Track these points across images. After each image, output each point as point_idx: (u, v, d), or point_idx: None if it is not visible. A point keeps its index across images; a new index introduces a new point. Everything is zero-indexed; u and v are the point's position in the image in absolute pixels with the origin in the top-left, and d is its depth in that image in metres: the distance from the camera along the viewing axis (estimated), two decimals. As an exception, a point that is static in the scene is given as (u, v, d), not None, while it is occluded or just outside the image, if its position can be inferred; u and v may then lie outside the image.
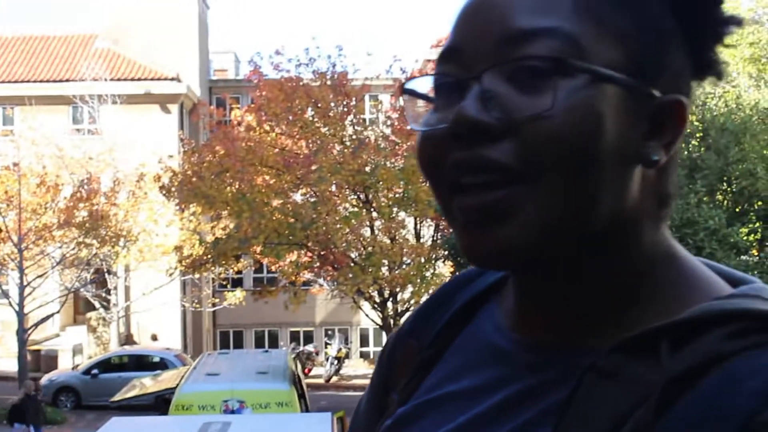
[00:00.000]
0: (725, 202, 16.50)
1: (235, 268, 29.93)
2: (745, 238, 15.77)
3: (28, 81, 38.20)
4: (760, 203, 16.43)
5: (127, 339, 35.49)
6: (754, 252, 16.55)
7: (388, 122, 25.41)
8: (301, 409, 14.14)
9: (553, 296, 0.96)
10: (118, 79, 36.90)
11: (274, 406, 13.71)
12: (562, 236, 0.90)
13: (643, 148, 0.92)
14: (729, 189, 16.12)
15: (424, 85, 0.98)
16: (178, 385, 15.11)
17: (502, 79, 0.89)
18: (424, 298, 15.61)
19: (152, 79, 38.03)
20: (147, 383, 20.41)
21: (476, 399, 0.99)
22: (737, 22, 0.98)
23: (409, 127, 1.00)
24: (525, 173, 0.88)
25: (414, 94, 0.98)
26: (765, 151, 16.46)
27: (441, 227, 24.70)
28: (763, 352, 0.84)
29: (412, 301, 24.20)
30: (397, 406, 1.09)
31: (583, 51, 0.88)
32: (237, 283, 37.95)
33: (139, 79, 37.93)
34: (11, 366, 27.22)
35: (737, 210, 16.26)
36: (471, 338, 1.07)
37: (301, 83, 24.72)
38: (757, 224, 16.90)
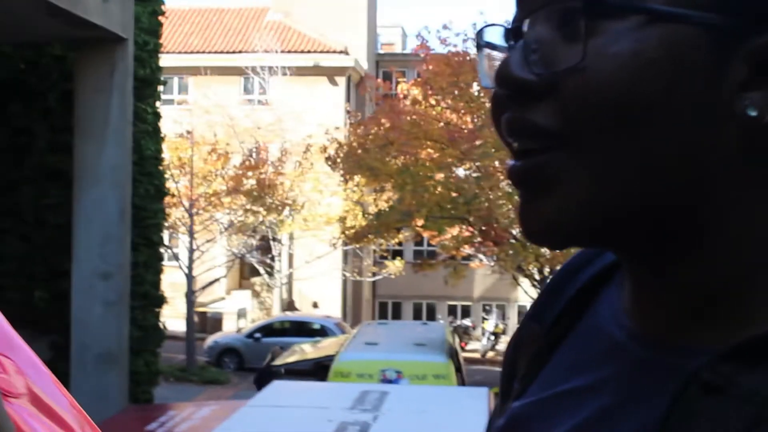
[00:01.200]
0: None
1: (396, 241, 30.15)
2: None
3: (202, 52, 39.32)
4: None
5: (289, 305, 36.21)
6: None
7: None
8: (457, 383, 14.11)
9: (655, 281, 0.81)
10: (288, 52, 37.55)
11: (431, 378, 13.71)
12: (622, 211, 0.76)
13: (740, 101, 0.72)
14: None
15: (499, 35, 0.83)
16: (337, 352, 15.30)
17: (551, 26, 0.76)
18: None
19: (321, 52, 38.55)
20: (307, 349, 20.70)
21: (583, 402, 0.85)
22: None
23: (482, 84, 0.83)
24: (567, 137, 0.75)
25: (490, 46, 0.84)
26: None
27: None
28: None
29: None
30: (513, 398, 0.97)
31: None
32: (397, 255, 38.28)
33: (308, 52, 38.52)
34: (180, 327, 28.14)
35: None
36: (590, 323, 0.92)
37: (467, 58, 24.66)
38: None
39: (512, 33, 0.79)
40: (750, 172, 0.74)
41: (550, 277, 1.03)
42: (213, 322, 33.89)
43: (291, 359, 19.90)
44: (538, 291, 19.26)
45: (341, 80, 38.64)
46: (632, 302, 0.85)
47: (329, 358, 15.94)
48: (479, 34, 0.84)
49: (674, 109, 0.72)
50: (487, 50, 0.84)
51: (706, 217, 0.75)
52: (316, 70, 37.98)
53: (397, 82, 30.66)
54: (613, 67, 0.72)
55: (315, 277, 33.88)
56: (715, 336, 0.76)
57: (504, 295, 40.43)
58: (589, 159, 0.74)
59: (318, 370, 17.13)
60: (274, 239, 32.57)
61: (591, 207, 0.75)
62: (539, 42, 0.76)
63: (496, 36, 0.83)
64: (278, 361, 19.35)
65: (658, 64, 0.71)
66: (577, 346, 0.92)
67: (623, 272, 0.87)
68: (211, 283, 29.14)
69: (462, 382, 14.82)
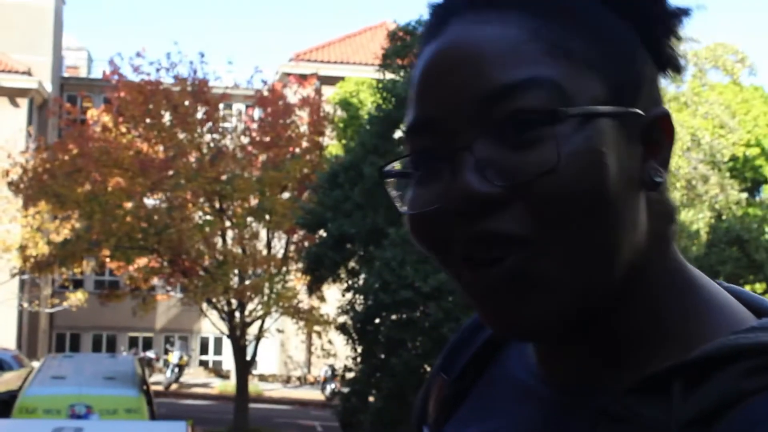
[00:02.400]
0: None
1: (79, 270, 29.24)
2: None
3: None
4: None
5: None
6: None
7: (247, 132, 25.32)
8: (149, 417, 13.93)
9: (575, 345, 0.92)
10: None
11: (123, 413, 13.46)
12: (594, 293, 0.85)
13: (644, 171, 0.87)
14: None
15: (400, 165, 0.93)
16: (21, 387, 14.69)
17: (491, 143, 0.84)
18: (273, 309, 15.29)
19: (3, 72, 37.06)
20: (-18, 384, 19.73)
21: None
22: (685, 12, 0.93)
23: (403, 211, 0.89)
24: (541, 238, 0.82)
25: (392, 175, 0.92)
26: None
27: (293, 240, 24.74)
28: None
29: (261, 312, 24.17)
30: None
31: (567, 94, 0.84)
32: (78, 284, 37.14)
33: (-13, 70, 36.96)
34: None
35: None
36: (499, 372, 1.04)
37: (160, 87, 24.41)
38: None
39: (440, 159, 0.86)
40: (654, 228, 0.89)
41: (453, 336, 1.13)
42: None
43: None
44: (227, 324, 19.23)
45: (23, 102, 37.23)
46: (542, 353, 0.96)
47: (10, 394, 15.29)
48: (383, 171, 0.92)
49: (618, 188, 0.84)
50: (391, 180, 0.92)
51: (634, 277, 0.88)
52: (-5, 90, 36.45)
53: (85, 108, 29.83)
54: (578, 163, 0.82)
55: (-12, 306, 32.27)
56: (616, 378, 0.87)
57: (187, 326, 40.24)
58: (568, 251, 0.82)
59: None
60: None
61: (577, 295, 0.84)
62: (489, 159, 0.83)
63: (398, 167, 0.92)
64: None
65: (603, 153, 0.83)
66: (488, 392, 1.03)
67: None
68: None
69: (153, 416, 14.63)
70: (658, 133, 0.89)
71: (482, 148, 0.83)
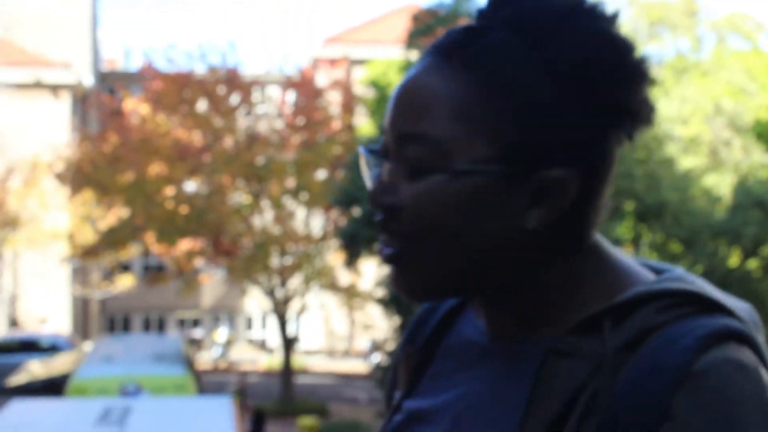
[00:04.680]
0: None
1: (126, 255, 29.73)
2: (622, 234, 16.47)
3: None
4: (636, 202, 17.08)
5: (13, 323, 34.99)
6: (628, 247, 17.22)
7: (281, 116, 25.66)
8: (197, 393, 14.22)
9: (500, 309, 1.15)
10: (9, 66, 36.36)
11: (172, 390, 13.61)
12: (461, 280, 1.11)
13: (524, 217, 1.07)
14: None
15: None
16: (73, 369, 15.04)
17: (398, 168, 1.09)
18: (313, 285, 15.56)
19: (43, 67, 37.55)
20: (39, 367, 20.14)
21: (469, 388, 1.17)
22: (646, 77, 1.09)
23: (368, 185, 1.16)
24: (410, 237, 1.09)
25: (369, 154, 1.16)
26: (640, 154, 17.21)
27: (331, 218, 24.97)
28: (687, 320, 1.03)
29: (302, 288, 24.56)
30: (400, 401, 1.27)
31: (447, 152, 1.05)
32: (125, 269, 37.62)
33: (30, 67, 37.43)
34: None
35: (616, 208, 16.74)
36: (455, 339, 1.24)
37: (194, 77, 24.80)
38: (633, 222, 17.62)
39: (378, 156, 1.14)
40: (539, 255, 1.11)
41: (418, 312, 1.35)
42: None
43: (23, 380, 19.35)
44: (270, 299, 19.30)
45: (65, 96, 37.76)
46: (488, 320, 1.18)
47: (64, 376, 15.59)
48: (360, 151, 1.18)
49: (477, 231, 1.07)
50: (366, 159, 1.16)
51: (516, 280, 1.11)
52: (38, 86, 36.99)
53: (124, 99, 30.19)
54: (432, 205, 1.07)
55: (43, 294, 32.87)
56: (547, 332, 1.11)
57: (233, 305, 40.49)
58: (423, 253, 1.09)
59: (53, 388, 16.71)
60: (-3, 256, 31.45)
61: (432, 282, 1.11)
62: (391, 178, 1.10)
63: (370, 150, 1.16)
64: (11, 383, 18.77)
65: (460, 206, 1.06)
66: (449, 356, 1.23)
67: (476, 304, 1.22)
68: None
69: (201, 392, 14.88)
70: (551, 188, 1.06)
71: (391, 169, 1.10)
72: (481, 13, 1.11)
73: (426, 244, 1.08)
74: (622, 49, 1.07)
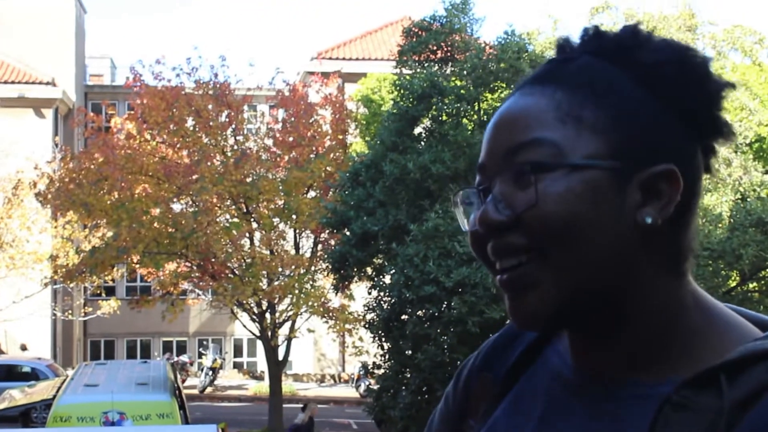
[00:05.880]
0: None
1: (111, 277, 29.40)
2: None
3: None
4: None
5: (-4, 349, 34.60)
6: None
7: (270, 134, 25.38)
8: (181, 421, 13.98)
9: (594, 344, 1.17)
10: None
11: (155, 418, 13.52)
12: (577, 298, 1.12)
13: (639, 214, 1.12)
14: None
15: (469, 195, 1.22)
16: (55, 396, 14.80)
17: (508, 183, 1.14)
18: (303, 309, 15.35)
19: (27, 83, 37.24)
20: (18, 395, 19.87)
21: (557, 425, 1.19)
22: (729, 86, 1.17)
23: (464, 229, 1.21)
24: (536, 251, 1.11)
25: (460, 203, 1.22)
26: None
27: (321, 239, 24.75)
28: None
29: (291, 312, 24.22)
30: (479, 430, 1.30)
31: (562, 150, 1.12)
32: (110, 291, 37.31)
33: (12, 83, 37.11)
34: None
35: None
36: (540, 371, 1.28)
37: (182, 92, 24.52)
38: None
39: (479, 193, 1.18)
40: (654, 259, 1.14)
41: (493, 338, 1.39)
42: None
43: (1, 406, 19.04)
44: (258, 325, 19.28)
45: (48, 112, 37.42)
46: (576, 355, 1.21)
47: (45, 403, 15.37)
48: (456, 198, 1.23)
49: (598, 226, 1.10)
50: (461, 206, 1.22)
51: (631, 295, 1.13)
52: (21, 102, 36.64)
53: (109, 116, 29.95)
54: (554, 203, 1.10)
55: (23, 317, 32.45)
56: (650, 376, 1.14)
57: (220, 329, 40.27)
58: (554, 265, 1.11)
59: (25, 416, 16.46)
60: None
61: (562, 297, 1.12)
62: (502, 194, 1.14)
63: (465, 197, 1.22)
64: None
65: (582, 197, 1.10)
66: (532, 387, 1.27)
67: (566, 337, 1.23)
68: None
69: (186, 420, 14.69)
70: (660, 185, 1.12)
71: (501, 186, 1.15)
72: (561, 48, 1.22)
73: (555, 245, 1.10)
74: (690, 51, 1.16)
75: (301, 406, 21.57)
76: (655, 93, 1.14)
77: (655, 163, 1.12)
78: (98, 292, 34.00)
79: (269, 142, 25.23)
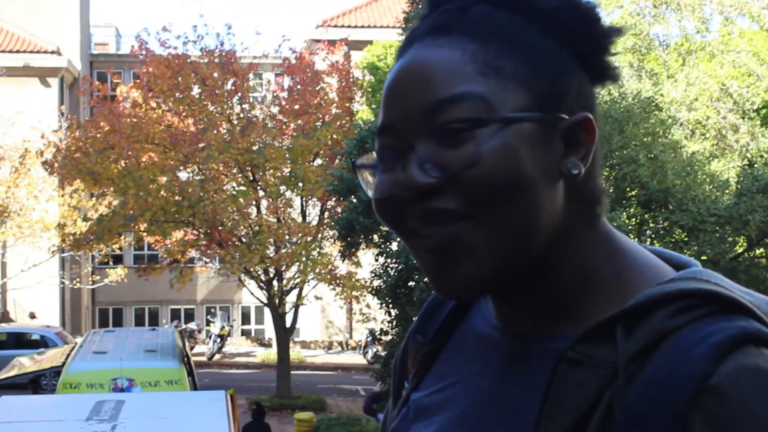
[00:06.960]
0: (609, 187, 17.01)
1: (118, 246, 29.49)
2: (626, 221, 16.28)
3: None
4: (640, 189, 16.94)
5: (3, 317, 34.72)
6: (632, 235, 17.07)
7: (276, 101, 25.32)
8: (190, 387, 14.06)
9: (517, 301, 1.13)
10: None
11: (164, 384, 13.58)
12: (514, 260, 1.07)
13: (563, 165, 1.08)
14: (612, 175, 16.56)
15: (369, 158, 1.14)
16: (64, 363, 14.87)
17: (431, 143, 1.05)
18: (310, 276, 15.45)
19: (32, 52, 37.16)
20: (28, 362, 19.97)
21: (477, 384, 1.16)
22: (617, 31, 1.14)
23: (370, 195, 1.12)
24: (469, 213, 1.04)
25: (363, 167, 1.14)
26: (645, 139, 16.96)
27: (327, 207, 24.77)
28: (702, 324, 0.98)
29: (298, 280, 24.27)
30: (409, 393, 1.27)
31: (492, 105, 1.05)
32: (117, 260, 37.40)
33: (17, 52, 37.03)
34: None
35: (620, 195, 16.68)
36: (467, 331, 1.24)
37: (188, 60, 24.46)
38: (637, 209, 17.43)
39: (395, 154, 1.08)
40: (576, 209, 1.11)
41: (428, 300, 1.35)
42: None
43: (11, 373, 19.15)
44: (265, 293, 19.28)
45: (54, 81, 37.36)
46: (500, 313, 1.17)
47: (54, 370, 15.46)
48: (354, 162, 1.15)
49: (533, 177, 1.05)
50: (364, 171, 1.14)
51: (555, 248, 1.10)
52: (26, 71, 36.57)
53: (115, 84, 29.95)
54: (495, 157, 1.03)
55: (31, 286, 32.60)
56: (563, 329, 1.09)
57: (227, 297, 40.41)
58: (490, 224, 1.04)
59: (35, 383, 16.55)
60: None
61: (500, 261, 1.06)
62: (428, 155, 1.05)
63: (368, 162, 1.14)
64: (1, 375, 18.57)
65: (519, 152, 1.05)
66: (458, 348, 1.24)
67: (489, 295, 1.19)
68: None
69: (195, 387, 14.77)
70: (579, 134, 1.09)
71: (423, 147, 1.06)
72: None
73: (495, 205, 1.04)
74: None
75: None
76: (557, 40, 1.10)
77: (572, 111, 1.09)
78: (106, 260, 34.15)
79: (275, 110, 25.18)
